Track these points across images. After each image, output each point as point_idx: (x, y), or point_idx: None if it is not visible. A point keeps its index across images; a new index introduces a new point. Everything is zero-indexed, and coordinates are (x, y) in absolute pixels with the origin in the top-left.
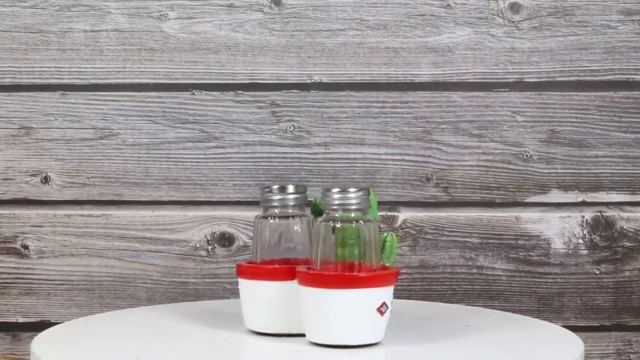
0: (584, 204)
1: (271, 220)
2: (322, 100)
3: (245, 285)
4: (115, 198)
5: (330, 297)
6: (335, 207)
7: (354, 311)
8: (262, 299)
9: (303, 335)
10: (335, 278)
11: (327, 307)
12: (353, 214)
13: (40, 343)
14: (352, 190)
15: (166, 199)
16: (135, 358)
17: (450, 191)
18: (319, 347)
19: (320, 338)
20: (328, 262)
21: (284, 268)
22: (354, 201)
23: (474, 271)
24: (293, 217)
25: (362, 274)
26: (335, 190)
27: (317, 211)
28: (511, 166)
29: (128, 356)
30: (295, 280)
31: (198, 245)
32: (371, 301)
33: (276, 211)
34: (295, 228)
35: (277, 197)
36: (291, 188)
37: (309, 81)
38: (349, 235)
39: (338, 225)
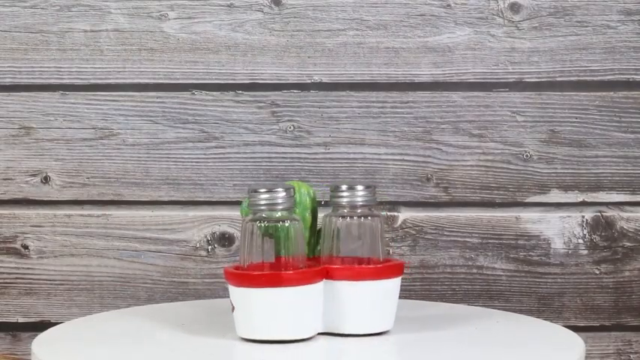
0: (584, 204)
1: (259, 224)
2: (322, 100)
3: (255, 293)
4: (115, 198)
5: (377, 287)
6: (344, 204)
7: (393, 299)
8: (278, 306)
9: (299, 341)
10: (380, 269)
11: (371, 296)
12: (359, 210)
13: (40, 343)
14: (359, 187)
15: (166, 199)
16: None
17: (450, 191)
18: (339, 338)
19: (361, 329)
20: (348, 257)
21: (288, 274)
22: (360, 198)
23: (474, 271)
24: (283, 220)
25: (397, 263)
26: (343, 187)
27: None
28: (511, 166)
29: (128, 356)
30: (291, 286)
31: (198, 245)
32: (398, 289)
33: (264, 215)
34: (286, 231)
35: (265, 201)
36: (280, 190)
37: (309, 81)
38: (357, 230)
39: (347, 220)
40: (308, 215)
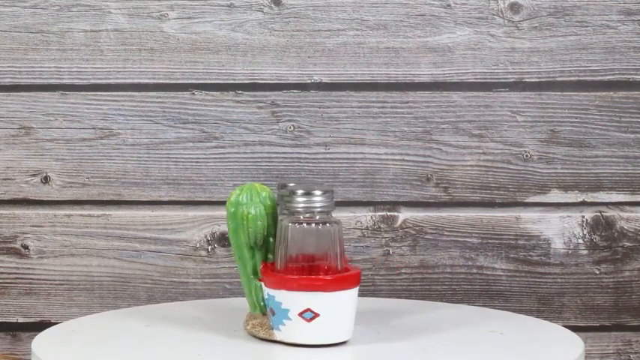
0: (584, 204)
1: (297, 226)
2: (322, 100)
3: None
4: (115, 198)
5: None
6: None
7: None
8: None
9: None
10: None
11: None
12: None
13: (40, 343)
14: (317, 192)
15: (166, 199)
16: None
17: (450, 191)
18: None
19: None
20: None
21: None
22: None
23: (474, 271)
24: (324, 223)
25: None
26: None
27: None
28: (511, 166)
29: (128, 356)
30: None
31: (198, 245)
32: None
33: (301, 217)
34: (324, 233)
35: (303, 203)
36: (317, 193)
37: (309, 81)
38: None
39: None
40: (270, 220)
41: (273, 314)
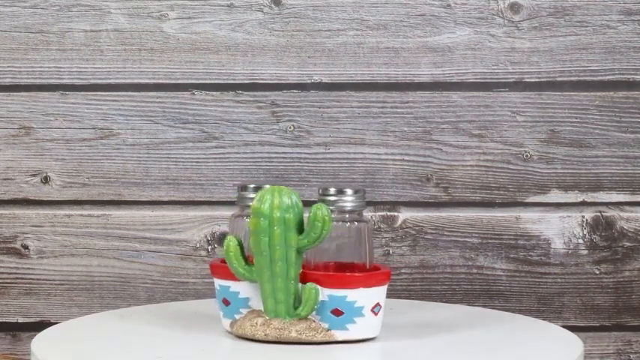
0: (584, 204)
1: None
2: (322, 100)
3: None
4: (115, 198)
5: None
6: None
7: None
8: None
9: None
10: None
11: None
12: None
13: (40, 343)
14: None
15: (166, 199)
16: (157, 358)
17: (450, 191)
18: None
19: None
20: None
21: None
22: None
23: (474, 271)
24: (352, 221)
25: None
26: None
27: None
28: (511, 166)
29: (128, 356)
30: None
31: (198, 245)
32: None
33: (332, 216)
34: (353, 232)
35: (334, 201)
36: (349, 192)
37: (309, 81)
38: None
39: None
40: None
41: (339, 315)
